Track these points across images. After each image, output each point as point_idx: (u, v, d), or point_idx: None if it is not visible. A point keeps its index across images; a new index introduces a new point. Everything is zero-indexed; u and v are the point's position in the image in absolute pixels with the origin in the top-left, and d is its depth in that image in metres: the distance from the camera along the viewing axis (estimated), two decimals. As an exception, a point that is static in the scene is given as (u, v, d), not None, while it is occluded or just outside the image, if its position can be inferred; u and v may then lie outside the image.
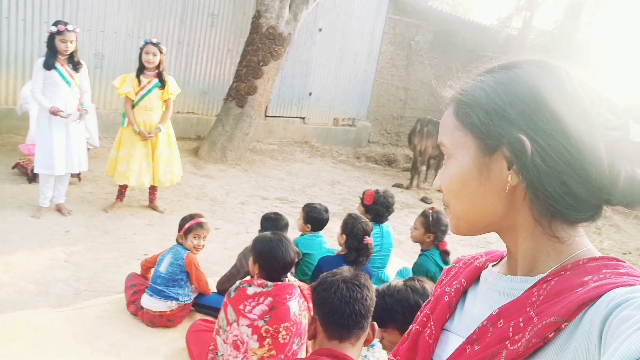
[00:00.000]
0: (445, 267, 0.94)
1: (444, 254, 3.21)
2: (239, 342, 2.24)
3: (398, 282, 1.87)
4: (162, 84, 4.45)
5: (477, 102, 0.72)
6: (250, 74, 7.10)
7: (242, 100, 7.13)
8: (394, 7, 9.89)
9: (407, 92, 10.63)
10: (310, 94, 9.16)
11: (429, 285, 1.82)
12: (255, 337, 2.22)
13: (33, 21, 6.17)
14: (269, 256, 2.34)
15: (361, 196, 3.78)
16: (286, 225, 3.29)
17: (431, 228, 3.23)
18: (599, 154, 0.65)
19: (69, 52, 4.04)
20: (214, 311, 3.02)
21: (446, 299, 0.81)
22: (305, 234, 3.56)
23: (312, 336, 1.63)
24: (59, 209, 4.34)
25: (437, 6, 13.38)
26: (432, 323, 0.81)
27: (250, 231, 4.76)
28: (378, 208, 3.63)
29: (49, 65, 3.99)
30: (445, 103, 0.80)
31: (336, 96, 9.58)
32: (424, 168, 7.74)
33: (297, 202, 5.88)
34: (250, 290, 2.26)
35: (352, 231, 3.07)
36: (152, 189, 4.81)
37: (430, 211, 3.27)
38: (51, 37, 3.99)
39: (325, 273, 1.69)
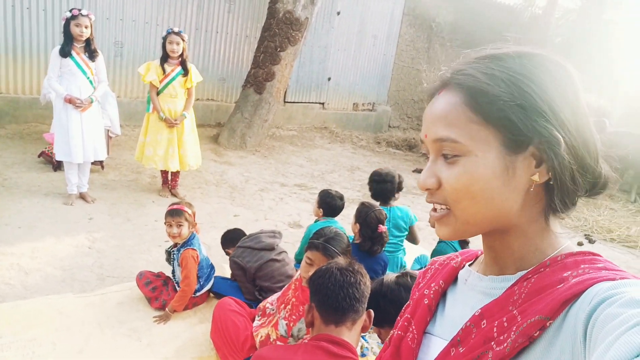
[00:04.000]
0: (420, 270, 0.94)
1: (463, 242, 3.18)
2: None
3: (391, 278, 1.84)
4: (185, 71, 4.58)
5: (503, 95, 0.66)
6: (267, 60, 7.08)
7: (260, 86, 7.12)
8: (414, -12, 9.69)
9: (428, 76, 10.45)
10: (329, 79, 9.09)
11: None
12: None
13: (54, 11, 6.26)
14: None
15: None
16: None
17: None
18: (595, 149, 0.67)
19: (84, 38, 4.07)
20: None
21: (426, 302, 0.80)
22: (319, 220, 3.57)
23: (310, 323, 1.66)
24: (82, 197, 4.44)
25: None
26: (413, 327, 0.80)
27: (269, 218, 4.79)
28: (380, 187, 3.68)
29: (64, 52, 4.04)
30: (433, 88, 0.73)
31: (355, 81, 9.49)
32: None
33: (315, 188, 5.88)
34: None
35: (366, 220, 3.04)
36: (174, 175, 4.91)
37: None
38: (67, 24, 4.04)
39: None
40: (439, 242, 3.30)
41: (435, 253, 3.24)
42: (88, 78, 4.19)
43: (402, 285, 1.73)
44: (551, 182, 0.67)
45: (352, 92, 9.51)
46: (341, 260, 1.73)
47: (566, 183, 0.66)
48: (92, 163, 4.67)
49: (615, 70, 8.14)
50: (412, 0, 9.75)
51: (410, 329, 0.80)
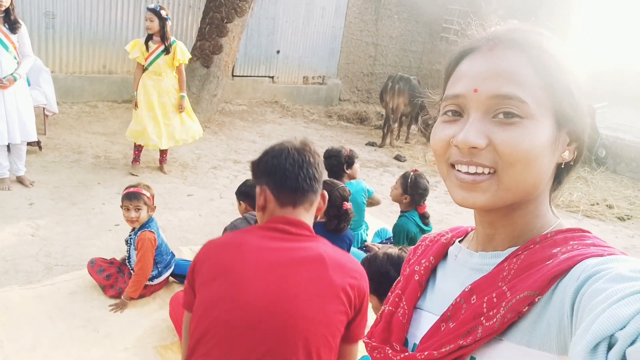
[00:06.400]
0: (410, 247, 0.93)
1: (423, 217, 3.20)
2: None
3: (394, 251, 1.84)
4: (167, 50, 4.47)
5: (567, 65, 0.66)
6: (214, 32, 6.78)
7: (207, 59, 6.83)
8: (361, -42, 9.55)
9: (376, 48, 10.44)
10: (278, 52, 8.87)
11: None
12: None
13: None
14: None
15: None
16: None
17: (408, 190, 3.21)
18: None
19: (2, 8, 3.66)
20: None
21: (416, 278, 0.81)
22: None
23: (262, 207, 1.54)
24: (20, 181, 4.11)
25: (405, -43, 12.99)
26: (404, 302, 0.80)
27: (225, 197, 4.65)
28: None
29: None
30: (469, 44, 0.70)
31: (305, 54, 9.32)
32: (396, 125, 7.69)
33: (270, 164, 5.77)
34: None
35: (330, 199, 2.98)
36: (162, 152, 4.93)
37: (411, 173, 3.23)
38: None
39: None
40: (400, 215, 3.31)
41: (397, 227, 3.25)
42: (10, 52, 3.79)
43: (389, 256, 1.75)
44: (571, 163, 0.70)
45: (302, 65, 9.35)
46: (295, 141, 1.60)
47: (578, 162, 0.70)
48: (28, 144, 4.32)
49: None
50: (359, -29, 9.62)
51: (401, 305, 0.80)
